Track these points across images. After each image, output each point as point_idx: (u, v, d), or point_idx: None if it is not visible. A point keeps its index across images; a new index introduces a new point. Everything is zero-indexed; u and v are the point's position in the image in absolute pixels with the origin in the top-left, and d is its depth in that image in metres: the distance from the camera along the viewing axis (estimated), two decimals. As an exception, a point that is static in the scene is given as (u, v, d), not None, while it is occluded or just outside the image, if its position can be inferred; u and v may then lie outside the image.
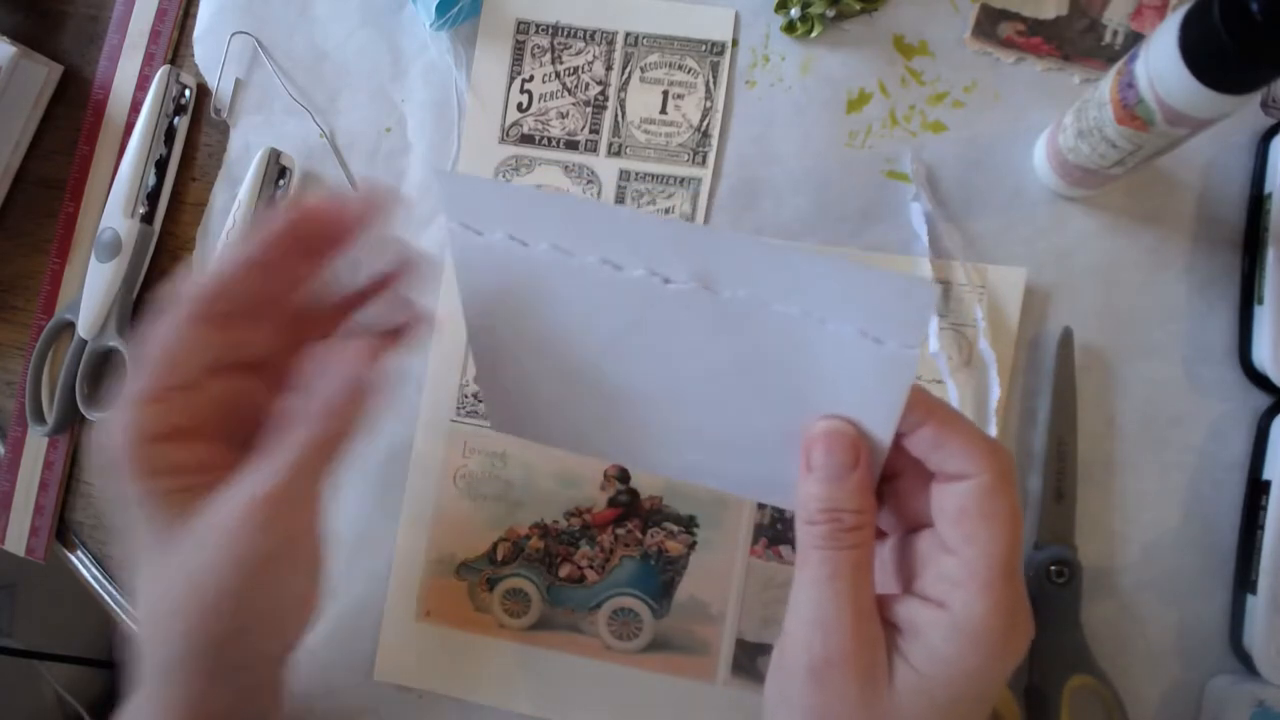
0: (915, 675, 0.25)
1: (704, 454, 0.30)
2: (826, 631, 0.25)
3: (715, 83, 0.45)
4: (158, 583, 0.28)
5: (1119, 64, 0.34)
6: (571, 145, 0.46)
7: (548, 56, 0.46)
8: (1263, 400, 0.40)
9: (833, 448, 0.26)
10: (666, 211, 0.45)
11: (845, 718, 0.25)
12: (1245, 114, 0.41)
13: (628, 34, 0.46)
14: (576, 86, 0.46)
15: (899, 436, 0.26)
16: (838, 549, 0.26)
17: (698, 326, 0.26)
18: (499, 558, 0.45)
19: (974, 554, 0.25)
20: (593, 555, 0.44)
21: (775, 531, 0.43)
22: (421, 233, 0.47)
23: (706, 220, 0.45)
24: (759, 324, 0.25)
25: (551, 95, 0.46)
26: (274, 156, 0.46)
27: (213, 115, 0.49)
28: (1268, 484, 0.39)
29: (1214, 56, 0.29)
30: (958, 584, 0.25)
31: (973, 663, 0.25)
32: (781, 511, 0.43)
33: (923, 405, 0.26)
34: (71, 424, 0.50)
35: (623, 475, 0.44)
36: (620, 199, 0.45)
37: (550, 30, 0.46)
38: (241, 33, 0.48)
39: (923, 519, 0.28)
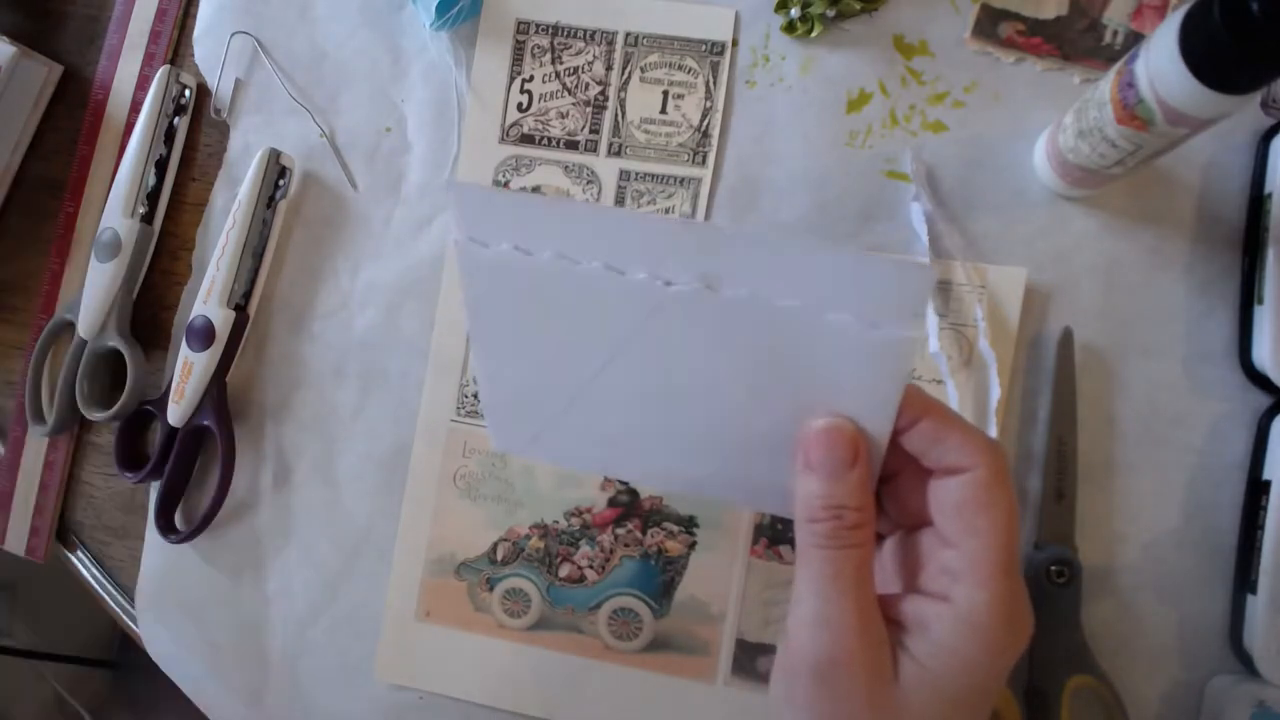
0: (921, 670, 0.25)
1: (709, 464, 0.30)
2: (831, 631, 0.25)
3: (715, 83, 0.45)
4: None
5: (1119, 64, 0.34)
6: (571, 145, 0.46)
7: (548, 56, 0.46)
8: (1263, 400, 0.40)
9: (833, 444, 0.26)
10: (666, 211, 0.45)
11: (852, 716, 0.25)
12: (1245, 114, 0.41)
13: (628, 34, 0.45)
14: (576, 86, 0.46)
15: (896, 434, 0.26)
16: (839, 547, 0.26)
17: (701, 329, 0.26)
18: (499, 558, 0.45)
19: (974, 546, 0.25)
20: (593, 555, 0.44)
21: (775, 531, 0.43)
22: (421, 233, 0.47)
23: (707, 220, 0.44)
24: (761, 322, 0.25)
25: (551, 95, 0.46)
26: (274, 156, 0.46)
27: (213, 115, 0.49)
28: (1268, 484, 0.39)
29: (1214, 56, 0.29)
30: (959, 577, 0.26)
31: (977, 654, 0.25)
32: (781, 511, 0.43)
33: (919, 401, 0.26)
34: (71, 424, 0.50)
35: (623, 475, 0.44)
36: (620, 199, 0.45)
37: (550, 30, 0.46)
38: (241, 33, 0.48)
39: (921, 518, 0.28)
